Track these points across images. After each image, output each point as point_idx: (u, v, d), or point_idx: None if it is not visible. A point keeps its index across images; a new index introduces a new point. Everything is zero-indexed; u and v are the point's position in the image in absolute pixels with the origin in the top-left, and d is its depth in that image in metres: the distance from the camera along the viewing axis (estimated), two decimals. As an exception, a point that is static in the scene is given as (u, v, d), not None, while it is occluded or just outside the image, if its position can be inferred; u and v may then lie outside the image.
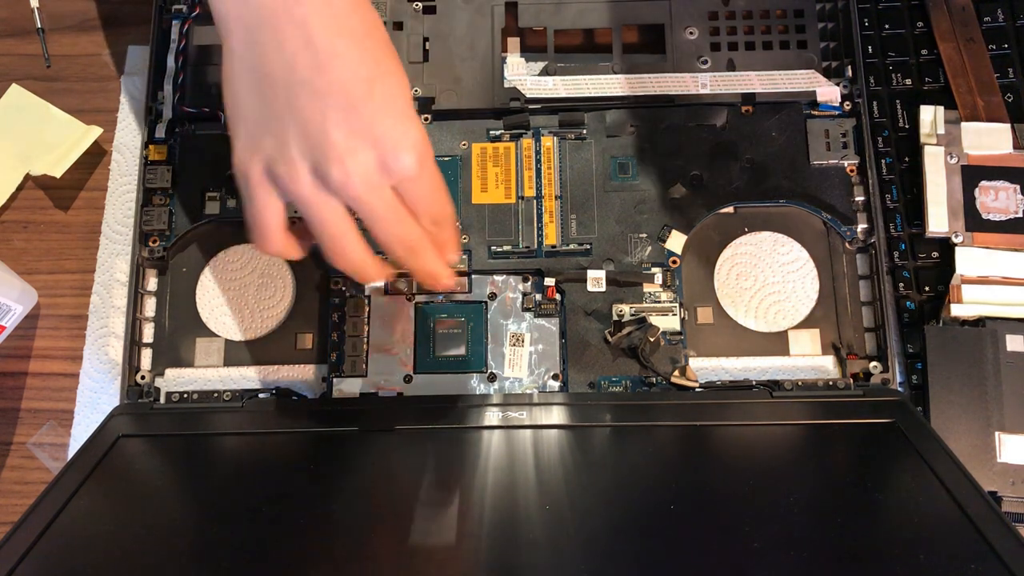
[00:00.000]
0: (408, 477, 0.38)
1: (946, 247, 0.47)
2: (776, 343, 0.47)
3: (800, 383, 0.44)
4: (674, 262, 0.47)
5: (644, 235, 0.47)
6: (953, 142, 0.48)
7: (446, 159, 0.49)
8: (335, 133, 0.33)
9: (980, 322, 0.45)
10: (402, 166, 0.34)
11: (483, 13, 0.51)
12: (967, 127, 0.48)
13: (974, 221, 0.46)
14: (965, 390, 0.44)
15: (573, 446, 0.41)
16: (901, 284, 0.47)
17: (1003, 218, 0.46)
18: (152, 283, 0.48)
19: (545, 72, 0.50)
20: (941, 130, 0.48)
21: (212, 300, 0.48)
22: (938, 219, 0.46)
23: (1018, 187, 0.47)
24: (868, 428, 0.41)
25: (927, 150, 0.47)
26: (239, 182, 0.35)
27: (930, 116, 0.48)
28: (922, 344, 0.45)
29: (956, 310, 0.46)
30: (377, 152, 0.33)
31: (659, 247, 0.47)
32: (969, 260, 0.46)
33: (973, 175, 0.47)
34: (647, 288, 0.47)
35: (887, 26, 0.51)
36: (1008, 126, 0.47)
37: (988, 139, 0.47)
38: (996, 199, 0.46)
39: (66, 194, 0.52)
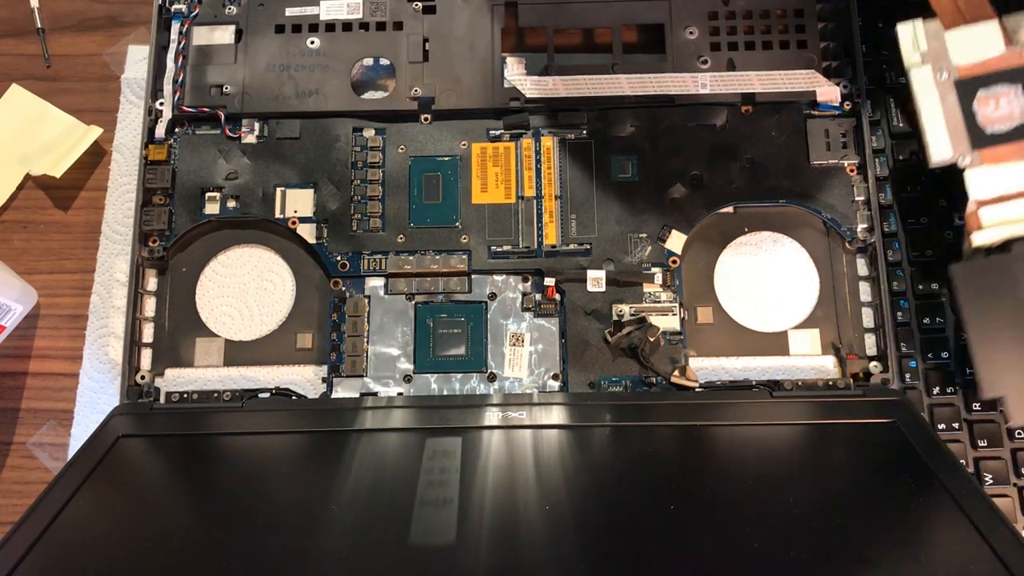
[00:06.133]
0: (408, 477, 0.38)
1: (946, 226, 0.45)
2: (776, 343, 0.47)
3: (800, 383, 0.44)
4: (674, 262, 0.47)
5: (644, 235, 0.47)
6: (940, 56, 0.42)
7: (446, 159, 0.49)
8: None
9: (1006, 246, 0.41)
10: None
11: (483, 13, 0.51)
12: (951, 35, 0.42)
13: (979, 138, 0.41)
14: (1007, 320, 0.40)
15: (573, 446, 0.41)
16: (895, 283, 0.47)
17: (1008, 127, 0.41)
18: (152, 283, 0.48)
19: (545, 72, 0.50)
20: (924, 46, 0.42)
21: (212, 300, 0.48)
22: (939, 145, 0.41)
23: (1019, 87, 0.41)
24: (868, 428, 0.41)
25: (913, 72, 0.42)
26: None
27: (909, 34, 0.43)
28: (948, 286, 0.41)
29: (978, 239, 0.41)
30: None
31: (659, 247, 0.47)
32: (981, 181, 0.41)
33: (968, 88, 0.42)
34: (647, 288, 0.47)
35: (880, 24, 0.51)
36: (995, 22, 0.41)
37: (976, 43, 0.42)
38: (998, 108, 0.41)
39: (66, 194, 0.52)
